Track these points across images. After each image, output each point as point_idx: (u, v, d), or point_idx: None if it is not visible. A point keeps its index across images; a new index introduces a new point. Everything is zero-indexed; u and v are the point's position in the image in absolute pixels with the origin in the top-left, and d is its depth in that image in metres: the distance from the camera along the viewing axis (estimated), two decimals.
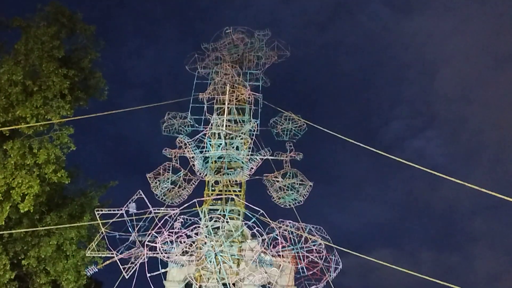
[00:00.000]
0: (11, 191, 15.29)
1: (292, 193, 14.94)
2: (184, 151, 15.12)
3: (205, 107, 16.43)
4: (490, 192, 9.73)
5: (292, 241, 12.63)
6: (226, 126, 15.14)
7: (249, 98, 16.33)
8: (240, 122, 15.99)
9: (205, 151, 14.84)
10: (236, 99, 16.22)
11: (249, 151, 15.07)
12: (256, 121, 15.75)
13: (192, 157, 14.83)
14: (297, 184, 15.02)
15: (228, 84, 16.33)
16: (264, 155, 14.84)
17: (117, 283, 13.39)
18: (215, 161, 15.36)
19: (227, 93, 16.02)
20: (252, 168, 14.80)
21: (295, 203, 14.92)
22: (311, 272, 12.29)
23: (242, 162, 14.94)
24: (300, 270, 12.80)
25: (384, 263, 11.77)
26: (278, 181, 15.11)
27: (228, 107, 15.90)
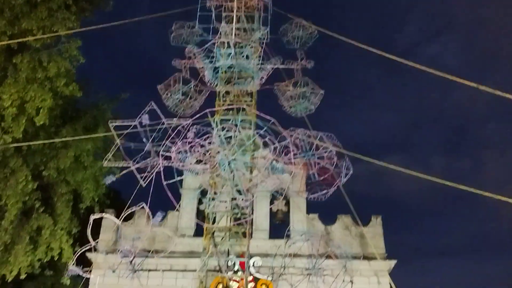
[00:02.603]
0: (25, 105, 15.53)
1: (303, 102, 14.91)
2: (193, 61, 14.94)
3: (213, 15, 15.96)
4: (504, 95, 9.58)
5: (303, 149, 12.78)
6: (235, 34, 14.79)
7: (258, 4, 15.79)
8: (249, 30, 15.60)
9: (215, 61, 14.65)
10: (245, 5, 15.69)
11: (259, 60, 14.85)
12: (266, 29, 15.35)
13: (202, 68, 14.68)
14: (308, 92, 14.94)
15: None
16: (275, 64, 14.64)
17: (135, 191, 13.89)
18: (225, 71, 15.19)
19: None
20: (262, 77, 14.67)
21: (306, 111, 14.94)
22: (322, 178, 12.58)
23: (252, 72, 14.78)
24: (311, 176, 13.11)
25: (394, 167, 12.00)
26: (289, 90, 15.02)
27: (236, 15, 15.44)
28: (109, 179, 13.19)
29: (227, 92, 14.89)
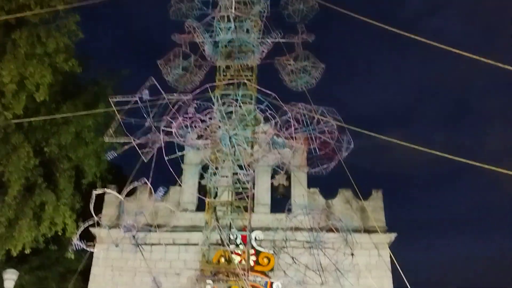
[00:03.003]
0: (24, 81, 15.49)
1: (304, 76, 14.81)
2: (193, 36, 14.79)
3: None
4: (506, 67, 9.51)
5: (304, 123, 12.76)
6: (235, 8, 14.61)
7: None
8: (249, 3, 15.39)
9: (215, 35, 14.50)
10: None
11: (259, 34, 14.70)
12: (266, 2, 15.15)
13: (202, 42, 14.55)
14: (309, 66, 14.82)
15: None
16: (275, 38, 14.50)
17: (137, 167, 13.96)
18: (225, 46, 15.05)
19: None
20: (263, 51, 14.55)
21: (307, 85, 14.85)
22: (323, 152, 12.59)
23: (253, 46, 14.65)
24: (312, 151, 13.13)
25: (395, 140, 12.01)
26: (289, 64, 14.91)
27: None
28: (111, 155, 13.22)
29: (228, 67, 14.79)
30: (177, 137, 12.66)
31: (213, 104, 12.61)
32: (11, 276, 14.93)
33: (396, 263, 15.04)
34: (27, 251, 16.23)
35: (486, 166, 9.55)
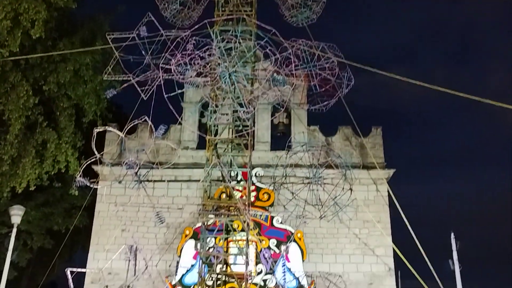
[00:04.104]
0: (19, 17, 15.16)
1: (305, 11, 14.44)
2: None
3: None
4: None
5: (305, 60, 12.60)
6: None
7: None
8: None
9: None
10: None
11: None
12: None
13: None
14: (310, 1, 14.43)
15: None
16: None
17: (137, 104, 13.94)
18: None
19: None
20: None
21: (308, 21, 14.52)
22: (323, 89, 12.52)
23: None
24: (313, 88, 13.06)
25: (397, 76, 11.90)
26: None
27: None
28: (110, 93, 13.15)
29: (226, 2, 14.39)
30: (176, 75, 12.55)
31: (212, 41, 12.38)
32: (17, 212, 15.31)
33: (394, 198, 15.40)
34: (32, 188, 16.53)
35: (487, 101, 9.51)
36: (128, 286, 12.05)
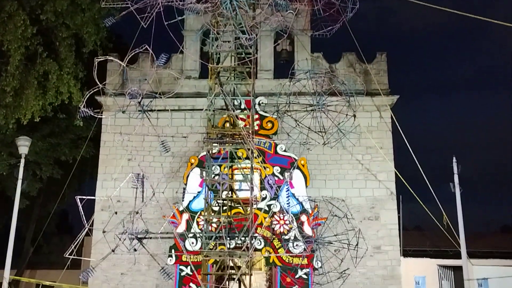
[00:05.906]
0: None
1: None
2: None
3: None
4: None
5: None
6: None
7: None
8: None
9: None
10: None
11: None
12: None
13: None
14: None
15: None
16: None
17: (137, 33, 13.69)
18: None
19: None
20: None
21: None
22: (327, 14, 12.21)
23: None
24: (316, 12, 12.72)
25: None
26: None
27: None
28: (109, 21, 12.88)
29: None
30: (176, 1, 12.22)
31: None
32: (24, 143, 15.51)
33: (397, 124, 15.48)
34: (36, 119, 16.63)
35: (495, 21, 9.25)
36: (137, 212, 12.41)
